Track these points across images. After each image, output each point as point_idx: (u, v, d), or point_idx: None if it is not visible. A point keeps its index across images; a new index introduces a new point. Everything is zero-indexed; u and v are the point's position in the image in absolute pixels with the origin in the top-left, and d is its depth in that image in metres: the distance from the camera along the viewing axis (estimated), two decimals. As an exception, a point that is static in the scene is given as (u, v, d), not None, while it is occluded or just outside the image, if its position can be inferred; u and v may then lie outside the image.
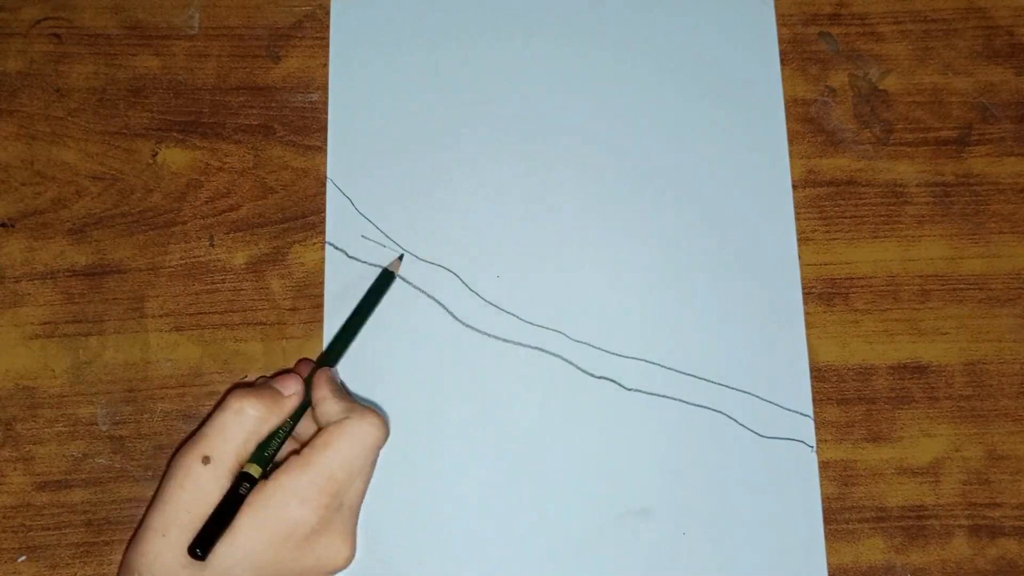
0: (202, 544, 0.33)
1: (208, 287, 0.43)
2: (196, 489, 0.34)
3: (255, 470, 0.34)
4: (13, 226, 0.43)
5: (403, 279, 0.43)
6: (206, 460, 0.34)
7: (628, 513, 0.41)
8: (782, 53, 0.46)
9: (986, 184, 0.45)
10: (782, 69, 0.46)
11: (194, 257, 0.43)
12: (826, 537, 0.41)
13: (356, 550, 0.36)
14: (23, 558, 0.40)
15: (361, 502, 0.36)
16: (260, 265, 0.43)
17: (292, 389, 0.37)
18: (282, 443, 0.36)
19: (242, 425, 0.35)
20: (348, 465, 0.34)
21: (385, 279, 0.42)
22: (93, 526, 0.40)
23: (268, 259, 0.43)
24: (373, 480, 0.40)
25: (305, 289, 0.43)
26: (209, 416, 0.36)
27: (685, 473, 0.41)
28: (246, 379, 0.42)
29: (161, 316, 0.42)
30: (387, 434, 0.36)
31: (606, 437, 0.41)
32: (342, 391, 0.38)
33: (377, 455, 0.36)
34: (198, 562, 0.33)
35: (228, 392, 0.37)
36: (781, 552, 0.40)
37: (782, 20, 0.47)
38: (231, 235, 0.43)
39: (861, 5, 0.47)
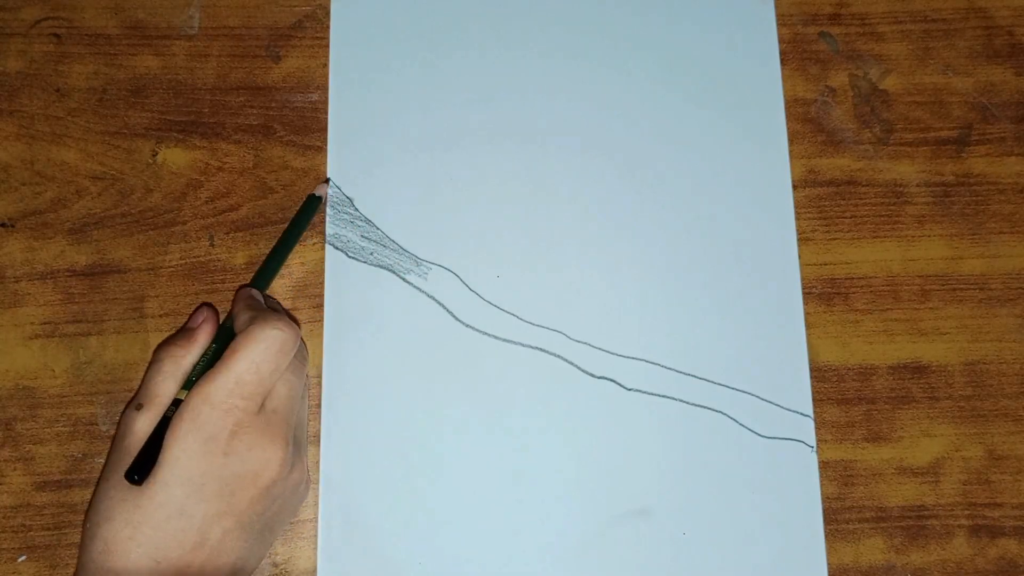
0: (138, 469, 0.34)
1: (208, 287, 0.43)
2: (132, 433, 0.35)
3: (182, 394, 0.36)
4: (13, 226, 0.43)
5: (404, 279, 0.43)
6: (139, 407, 0.36)
7: (628, 513, 0.41)
8: (782, 53, 0.46)
9: (986, 184, 0.45)
10: (782, 69, 0.46)
11: (194, 257, 0.43)
12: (826, 537, 0.41)
13: (300, 461, 0.37)
14: (23, 558, 0.40)
15: (291, 409, 0.36)
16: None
17: (200, 319, 0.39)
18: (208, 365, 0.36)
19: (163, 368, 0.36)
20: (256, 367, 0.35)
21: (311, 205, 0.43)
22: (93, 526, 0.40)
23: (268, 259, 0.43)
24: (372, 479, 0.40)
25: (305, 289, 0.43)
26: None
27: (685, 473, 0.41)
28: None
29: (161, 316, 0.42)
30: (294, 335, 0.36)
31: (606, 437, 0.41)
32: (257, 304, 0.39)
33: (297, 360, 0.37)
34: (136, 491, 0.34)
35: (154, 350, 0.39)
36: (781, 552, 0.40)
37: (782, 20, 0.47)
38: (231, 235, 0.43)
39: (861, 5, 0.47)
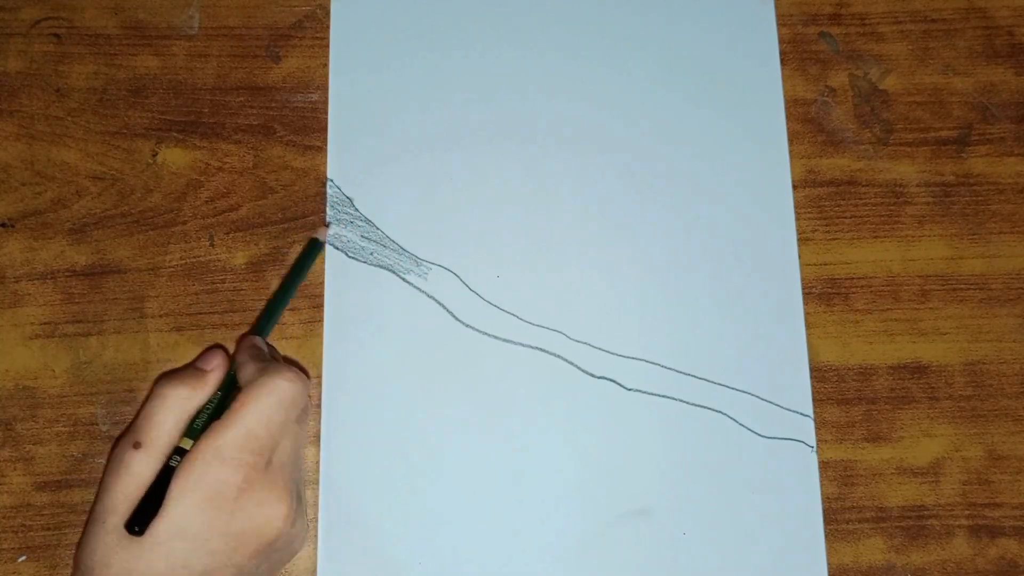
0: (139, 520, 0.33)
1: (208, 287, 0.43)
2: (129, 475, 0.34)
3: (186, 443, 0.35)
4: (13, 226, 0.43)
5: (404, 279, 0.43)
6: (137, 445, 0.34)
7: (628, 513, 0.41)
8: (782, 53, 0.46)
9: (986, 184, 0.45)
10: (782, 69, 0.46)
11: (194, 257, 0.43)
12: (826, 537, 0.41)
13: (302, 515, 0.36)
14: (23, 558, 0.40)
15: (295, 463, 0.36)
16: (260, 265, 0.43)
17: (213, 363, 0.37)
18: (213, 414, 0.36)
19: (168, 407, 0.35)
20: (266, 421, 0.34)
21: (312, 248, 0.42)
22: (93, 526, 0.40)
23: (268, 259, 0.43)
24: (372, 479, 0.40)
25: (305, 289, 0.43)
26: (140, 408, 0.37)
27: (685, 473, 0.41)
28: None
29: (161, 316, 0.42)
30: (304, 388, 0.36)
31: (606, 437, 0.41)
32: (262, 354, 0.38)
33: (302, 413, 0.36)
34: (136, 541, 0.33)
35: (155, 380, 0.38)
36: (781, 552, 0.40)
37: (782, 20, 0.47)
38: (231, 235, 0.43)
39: (861, 5, 0.47)
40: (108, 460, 0.36)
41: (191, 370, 0.38)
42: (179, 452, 0.34)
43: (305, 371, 0.42)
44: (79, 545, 0.35)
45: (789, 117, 0.46)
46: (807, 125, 0.46)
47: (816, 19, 0.47)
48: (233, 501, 0.34)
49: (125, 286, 0.43)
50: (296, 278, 0.42)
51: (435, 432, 0.41)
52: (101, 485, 0.35)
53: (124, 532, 0.33)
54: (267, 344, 0.40)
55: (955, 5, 0.47)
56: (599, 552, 0.40)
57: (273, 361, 0.37)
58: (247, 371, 0.37)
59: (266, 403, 0.34)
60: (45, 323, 0.42)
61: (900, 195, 0.45)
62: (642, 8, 0.47)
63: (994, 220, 0.45)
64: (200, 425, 0.35)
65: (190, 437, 0.35)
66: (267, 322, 0.41)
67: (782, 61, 0.46)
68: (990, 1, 0.47)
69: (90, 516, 0.35)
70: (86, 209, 0.43)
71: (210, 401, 0.36)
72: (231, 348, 0.42)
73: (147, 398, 0.37)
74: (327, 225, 0.43)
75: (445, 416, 0.41)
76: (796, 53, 0.47)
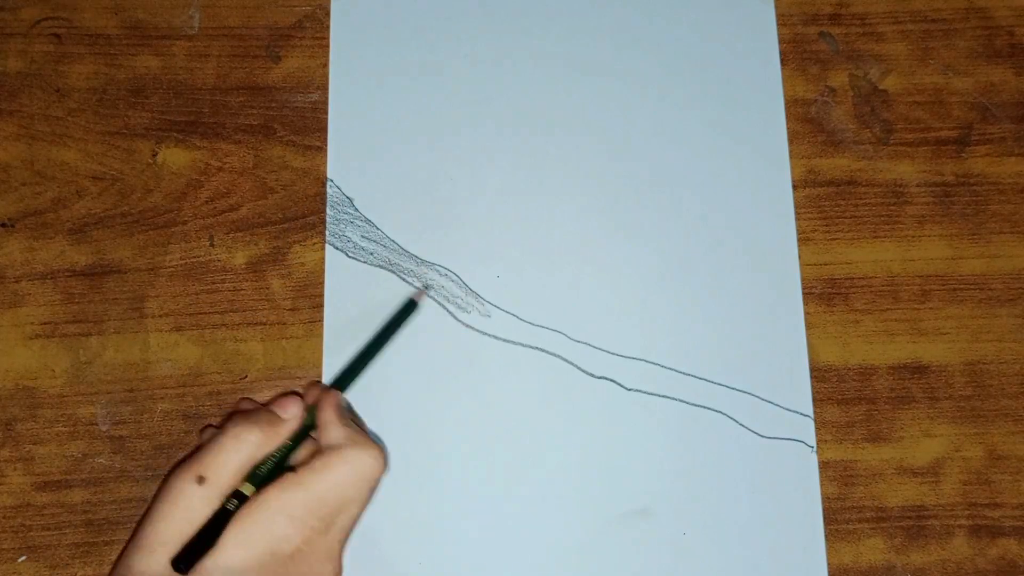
0: (186, 558, 0.32)
1: (208, 287, 0.43)
2: (187, 508, 0.33)
3: (247, 488, 0.34)
4: (13, 226, 0.43)
5: (404, 279, 0.43)
6: (201, 480, 0.34)
7: (628, 513, 0.41)
8: (782, 53, 0.46)
9: (986, 184, 0.45)
10: (782, 69, 0.46)
11: (194, 257, 0.43)
12: (826, 537, 0.41)
13: (341, 570, 0.36)
14: (23, 558, 0.40)
15: (351, 530, 0.36)
16: (260, 265, 0.43)
17: (290, 412, 0.37)
18: (279, 463, 0.35)
19: (239, 449, 0.35)
20: (341, 491, 0.34)
21: (407, 309, 0.41)
22: (93, 526, 0.40)
23: (268, 259, 0.43)
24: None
25: (305, 289, 0.43)
26: (206, 441, 0.36)
27: (685, 473, 0.41)
28: (245, 378, 0.42)
29: (161, 316, 0.42)
30: (385, 468, 0.36)
31: (606, 437, 0.41)
32: (348, 417, 0.38)
33: (374, 487, 0.36)
34: None
35: (227, 417, 0.37)
36: (781, 552, 0.40)
37: (782, 20, 0.47)
38: (231, 235, 0.43)
39: (861, 5, 0.47)
40: (164, 486, 0.35)
41: (267, 414, 0.37)
42: (237, 495, 0.34)
43: (383, 444, 0.41)
44: (119, 563, 0.34)
45: (789, 117, 0.46)
46: (807, 125, 0.46)
47: (816, 19, 0.47)
48: (288, 559, 0.33)
49: (125, 286, 0.43)
50: (387, 336, 0.41)
51: (435, 432, 0.41)
52: (154, 511, 0.34)
53: (168, 565, 0.33)
54: (347, 401, 0.40)
55: (955, 5, 0.47)
56: (599, 552, 0.40)
57: (359, 430, 0.37)
58: (333, 432, 0.36)
59: (346, 474, 0.34)
60: (45, 323, 0.42)
61: (900, 195, 0.45)
62: (642, 8, 0.47)
63: (994, 220, 0.45)
64: (264, 472, 0.35)
65: (251, 482, 0.34)
66: (350, 376, 0.40)
67: (782, 61, 0.46)
68: (990, 1, 0.47)
69: (135, 539, 0.34)
70: (86, 209, 0.43)
71: (278, 449, 0.36)
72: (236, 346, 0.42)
73: (218, 432, 0.36)
74: (425, 288, 0.42)
75: (445, 416, 0.41)
76: (796, 53, 0.47)
